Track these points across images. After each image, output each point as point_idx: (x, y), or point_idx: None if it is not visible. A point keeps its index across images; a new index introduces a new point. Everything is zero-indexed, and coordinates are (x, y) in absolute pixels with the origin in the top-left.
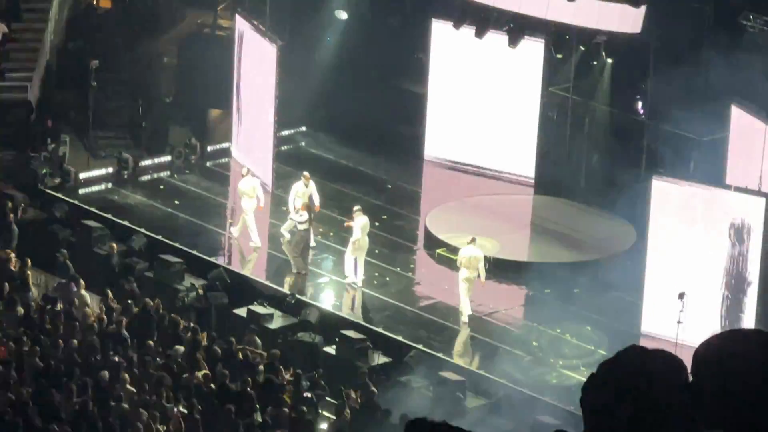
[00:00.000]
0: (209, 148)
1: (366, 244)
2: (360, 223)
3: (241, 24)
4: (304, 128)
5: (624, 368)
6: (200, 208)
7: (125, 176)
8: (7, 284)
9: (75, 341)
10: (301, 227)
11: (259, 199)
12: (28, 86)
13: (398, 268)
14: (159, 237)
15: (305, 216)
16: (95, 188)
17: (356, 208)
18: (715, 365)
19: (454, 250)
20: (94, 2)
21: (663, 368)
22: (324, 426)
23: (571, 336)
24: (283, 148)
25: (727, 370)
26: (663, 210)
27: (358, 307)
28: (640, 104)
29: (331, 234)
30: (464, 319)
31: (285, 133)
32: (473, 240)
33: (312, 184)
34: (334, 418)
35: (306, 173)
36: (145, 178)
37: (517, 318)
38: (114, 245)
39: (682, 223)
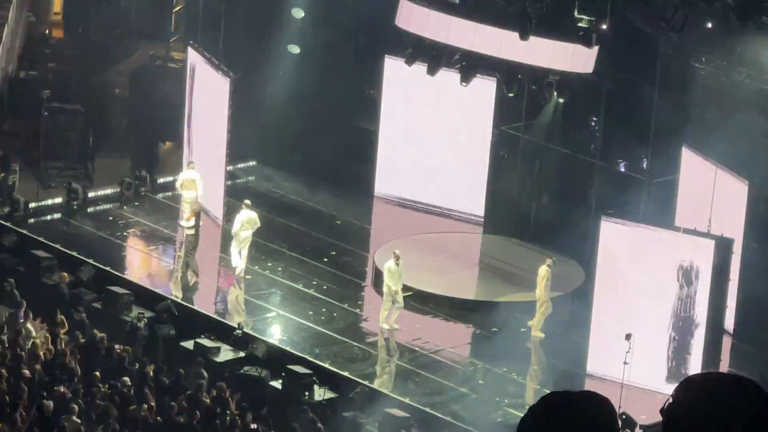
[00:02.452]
0: (159, 180)
1: (245, 237)
2: (241, 217)
3: (193, 56)
4: (254, 162)
5: (550, 414)
6: (149, 240)
7: (75, 207)
8: None
9: (21, 371)
10: (188, 232)
11: (198, 190)
12: None
13: (346, 304)
14: (107, 268)
15: (192, 222)
16: (44, 218)
17: (245, 202)
18: (689, 409)
19: (403, 287)
20: (47, 32)
21: (591, 412)
22: None
23: (517, 375)
24: (233, 181)
25: (701, 415)
26: (611, 250)
27: (303, 340)
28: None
29: (279, 269)
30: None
31: (235, 167)
32: (547, 259)
33: (402, 262)
34: None
35: (397, 251)
36: (95, 209)
37: (464, 356)
38: (65, 275)
39: (631, 264)
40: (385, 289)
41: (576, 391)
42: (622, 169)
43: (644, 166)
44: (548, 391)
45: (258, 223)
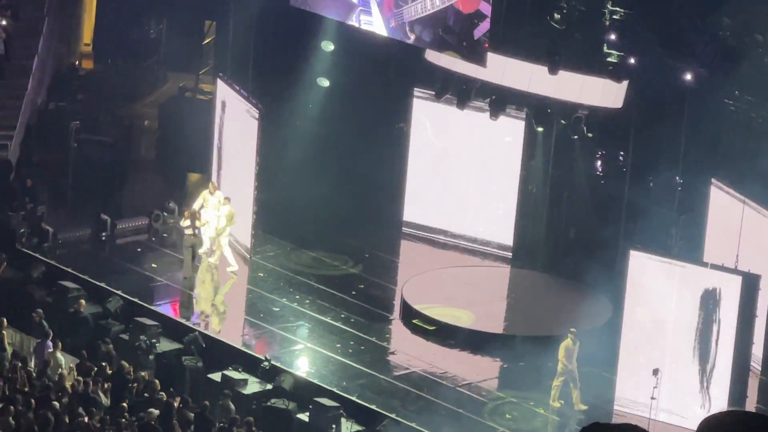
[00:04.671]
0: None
1: (229, 232)
2: (223, 212)
3: (222, 89)
4: (283, 194)
5: None
6: (177, 271)
7: (103, 238)
8: None
9: (49, 401)
10: (187, 232)
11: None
12: (9, 145)
13: (374, 337)
14: (135, 299)
15: (188, 222)
16: (73, 249)
17: (225, 197)
18: None
19: (430, 320)
20: (77, 63)
21: None
22: None
23: (544, 409)
24: (261, 213)
25: None
26: (640, 285)
27: (329, 373)
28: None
29: (307, 302)
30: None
31: (263, 198)
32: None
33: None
34: None
35: (574, 329)
36: (123, 240)
37: (491, 390)
38: (82, 302)
39: (659, 299)
40: (560, 367)
41: (619, 423)
42: (651, 203)
43: (673, 200)
44: (576, 426)
45: (235, 218)
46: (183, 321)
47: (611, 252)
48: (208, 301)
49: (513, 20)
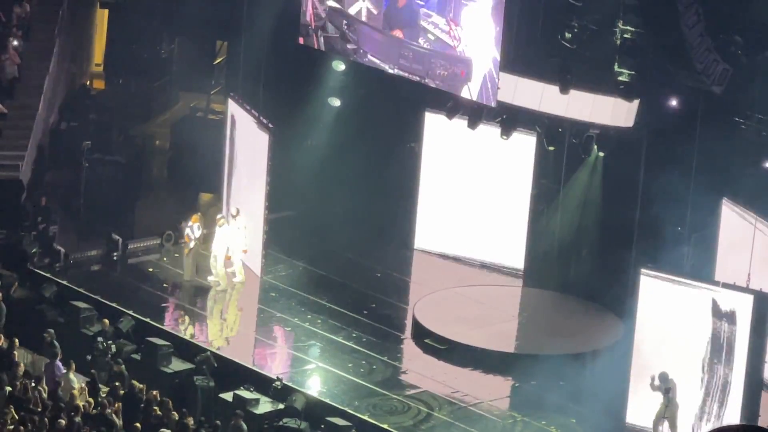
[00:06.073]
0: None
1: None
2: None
3: (233, 108)
4: (293, 214)
5: None
6: (188, 291)
7: (114, 258)
8: None
9: (61, 422)
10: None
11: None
12: (20, 165)
13: (386, 357)
14: (147, 319)
15: (198, 233)
16: (84, 269)
17: (219, 216)
18: None
19: (442, 339)
20: (88, 83)
21: None
22: None
23: (556, 428)
24: (273, 233)
25: None
26: (651, 304)
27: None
28: None
29: (319, 321)
30: None
31: (275, 217)
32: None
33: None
34: None
35: (665, 372)
36: (135, 260)
37: (503, 409)
38: (106, 321)
39: (670, 318)
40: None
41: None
42: (662, 223)
43: (684, 219)
44: None
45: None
46: (194, 341)
47: (623, 271)
48: (220, 321)
49: (524, 40)
